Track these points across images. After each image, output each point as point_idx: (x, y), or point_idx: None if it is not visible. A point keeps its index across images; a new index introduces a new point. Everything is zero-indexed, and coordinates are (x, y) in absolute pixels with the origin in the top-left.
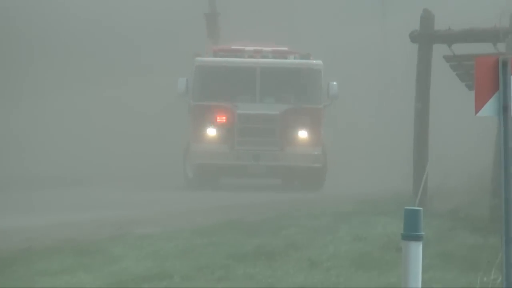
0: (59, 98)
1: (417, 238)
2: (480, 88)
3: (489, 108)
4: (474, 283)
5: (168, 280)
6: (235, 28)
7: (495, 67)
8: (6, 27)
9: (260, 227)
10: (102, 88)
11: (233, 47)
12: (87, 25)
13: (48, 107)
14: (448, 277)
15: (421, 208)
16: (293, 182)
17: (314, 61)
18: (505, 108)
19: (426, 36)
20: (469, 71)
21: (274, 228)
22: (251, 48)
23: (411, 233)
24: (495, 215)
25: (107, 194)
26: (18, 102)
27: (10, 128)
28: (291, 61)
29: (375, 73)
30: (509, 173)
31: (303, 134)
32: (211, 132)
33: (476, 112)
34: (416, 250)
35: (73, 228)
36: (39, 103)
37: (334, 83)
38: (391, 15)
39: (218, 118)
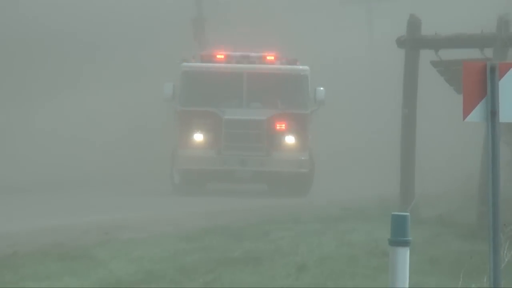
0: (46, 104)
1: (404, 243)
2: (468, 94)
3: (477, 114)
4: None
5: (154, 285)
6: (223, 34)
7: (483, 73)
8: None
9: (247, 232)
10: (89, 94)
11: (220, 52)
12: (71, 31)
13: (34, 113)
14: (435, 283)
15: (408, 214)
16: (280, 187)
17: (301, 67)
18: (493, 114)
19: (412, 42)
20: (456, 75)
21: (261, 233)
22: (238, 54)
23: (398, 239)
24: (482, 221)
25: (93, 199)
26: (5, 107)
27: None
28: (278, 66)
29: (363, 79)
30: (497, 179)
31: (289, 140)
32: (198, 137)
33: (464, 117)
34: (403, 256)
35: (59, 232)
36: (25, 108)
37: (321, 88)
38: (379, 21)
39: (204, 123)
